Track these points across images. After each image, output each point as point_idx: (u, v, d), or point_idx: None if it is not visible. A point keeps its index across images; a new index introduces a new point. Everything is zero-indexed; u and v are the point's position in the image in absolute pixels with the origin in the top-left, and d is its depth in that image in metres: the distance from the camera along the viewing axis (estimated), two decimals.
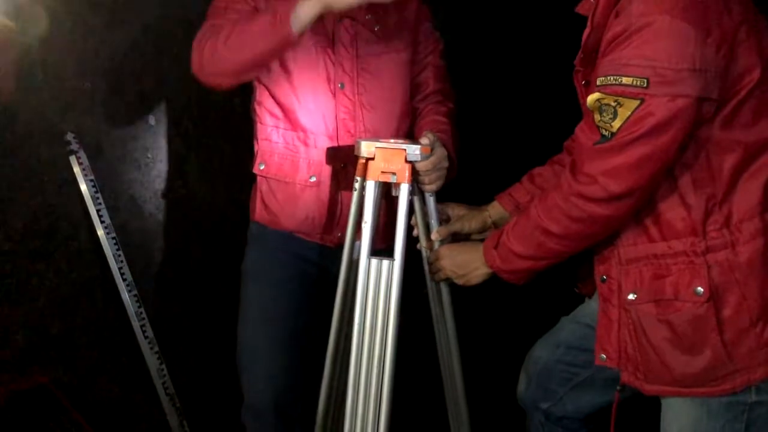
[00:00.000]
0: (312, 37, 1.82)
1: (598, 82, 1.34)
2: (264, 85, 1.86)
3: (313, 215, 1.85)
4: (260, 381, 1.84)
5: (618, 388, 1.51)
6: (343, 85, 1.82)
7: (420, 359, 2.13)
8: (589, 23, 1.42)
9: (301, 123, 1.84)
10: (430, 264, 1.75)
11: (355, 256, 1.71)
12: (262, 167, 1.88)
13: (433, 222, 1.74)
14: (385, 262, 1.61)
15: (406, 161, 1.63)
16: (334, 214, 1.85)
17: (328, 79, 1.82)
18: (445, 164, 1.72)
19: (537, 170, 1.76)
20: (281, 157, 1.85)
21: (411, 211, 1.69)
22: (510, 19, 2.58)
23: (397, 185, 1.64)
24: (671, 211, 1.38)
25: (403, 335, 1.63)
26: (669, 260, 1.38)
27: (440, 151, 1.69)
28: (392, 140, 1.70)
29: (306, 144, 1.84)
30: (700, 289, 1.35)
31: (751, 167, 1.35)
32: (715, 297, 1.35)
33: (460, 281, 1.66)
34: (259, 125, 1.90)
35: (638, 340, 1.43)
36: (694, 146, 1.35)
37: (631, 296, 1.42)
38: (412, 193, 1.67)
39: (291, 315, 1.86)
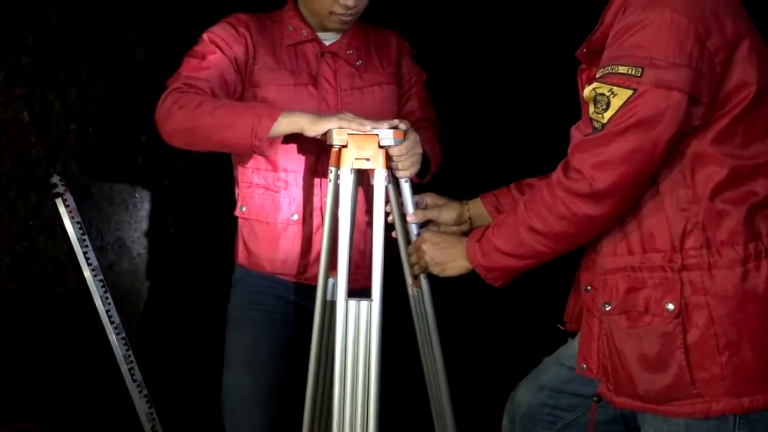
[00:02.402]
0: (293, 76, 1.82)
1: (597, 74, 1.36)
2: None
3: (296, 254, 1.83)
4: (244, 427, 1.81)
5: (594, 398, 1.50)
6: None
7: (406, 393, 2.09)
8: (600, 20, 1.43)
9: (283, 163, 1.82)
10: (409, 254, 1.72)
11: (329, 296, 1.68)
12: (243, 209, 1.87)
13: (410, 209, 1.72)
14: (364, 303, 1.57)
15: (380, 146, 1.62)
16: (315, 251, 1.83)
17: None
18: (419, 150, 1.70)
19: (529, 180, 1.75)
20: (262, 197, 1.84)
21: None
22: (507, 23, 2.61)
23: (372, 172, 1.63)
24: (653, 224, 1.38)
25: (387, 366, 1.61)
26: (645, 273, 1.38)
27: (414, 137, 1.68)
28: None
29: (287, 182, 1.82)
30: (671, 305, 1.34)
31: (736, 191, 1.34)
32: (684, 315, 1.34)
33: (435, 269, 1.64)
34: (240, 168, 1.89)
35: (610, 351, 1.43)
36: (682, 161, 1.35)
37: (605, 306, 1.42)
38: (387, 180, 1.65)
39: (274, 360, 1.83)
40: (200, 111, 1.67)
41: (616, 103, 1.30)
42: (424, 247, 1.65)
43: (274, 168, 1.83)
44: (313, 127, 1.63)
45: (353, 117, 1.65)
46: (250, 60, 1.82)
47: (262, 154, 1.69)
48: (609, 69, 1.33)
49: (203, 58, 1.77)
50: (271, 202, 1.83)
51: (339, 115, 1.64)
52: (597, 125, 1.34)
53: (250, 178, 1.85)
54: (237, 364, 1.84)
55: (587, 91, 1.36)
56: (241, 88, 1.82)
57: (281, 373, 1.84)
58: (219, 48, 1.79)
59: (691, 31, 1.28)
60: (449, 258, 1.60)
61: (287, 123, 1.64)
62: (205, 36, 1.82)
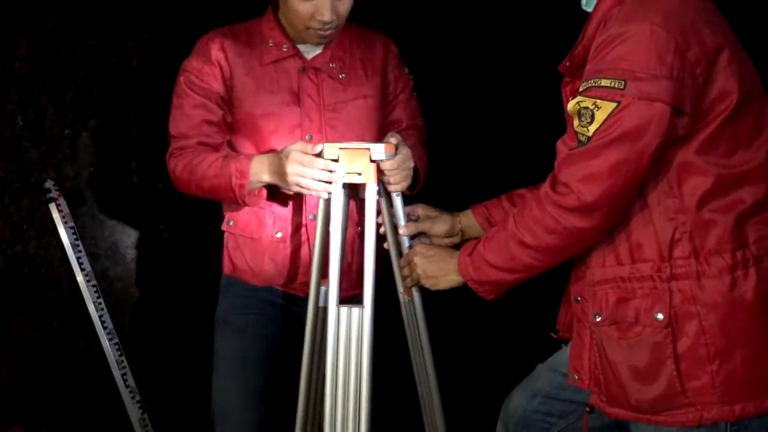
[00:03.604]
0: (275, 95, 1.79)
1: (580, 88, 1.37)
2: (230, 144, 1.85)
3: (281, 270, 1.83)
4: (234, 429, 1.81)
5: (587, 409, 1.50)
6: (311, 137, 1.79)
7: (397, 398, 2.09)
8: (581, 34, 1.44)
9: None
10: (401, 267, 1.72)
11: (321, 303, 1.68)
12: (230, 224, 1.87)
13: (401, 221, 1.72)
14: (355, 310, 1.57)
15: (371, 161, 1.62)
16: (301, 266, 1.83)
17: (295, 133, 1.79)
18: (411, 164, 1.70)
19: (519, 191, 1.76)
20: (248, 213, 1.83)
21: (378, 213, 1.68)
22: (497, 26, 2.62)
23: (364, 186, 1.63)
24: (641, 234, 1.38)
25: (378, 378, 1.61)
26: (635, 284, 1.38)
27: (405, 151, 1.68)
28: (356, 142, 1.70)
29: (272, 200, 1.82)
30: (660, 315, 1.35)
31: (722, 200, 1.35)
32: (674, 325, 1.34)
33: (428, 283, 1.64)
34: None
35: (601, 361, 1.43)
36: (669, 171, 1.36)
37: (596, 317, 1.43)
38: (379, 194, 1.65)
39: (262, 362, 1.83)
40: (192, 180, 1.77)
41: (600, 116, 1.31)
42: (416, 260, 1.65)
43: None
44: (281, 184, 1.69)
45: (308, 161, 1.61)
46: (228, 82, 1.79)
47: (245, 203, 1.76)
48: (592, 82, 1.33)
49: (181, 108, 1.79)
50: (255, 219, 1.82)
51: (295, 169, 1.62)
52: (582, 138, 1.34)
53: None
54: (225, 366, 1.84)
55: (571, 105, 1.37)
56: (230, 116, 1.82)
57: (270, 374, 1.83)
58: (195, 90, 1.78)
59: (671, 43, 1.29)
60: (441, 272, 1.61)
61: (257, 184, 1.73)
62: (180, 79, 1.80)
